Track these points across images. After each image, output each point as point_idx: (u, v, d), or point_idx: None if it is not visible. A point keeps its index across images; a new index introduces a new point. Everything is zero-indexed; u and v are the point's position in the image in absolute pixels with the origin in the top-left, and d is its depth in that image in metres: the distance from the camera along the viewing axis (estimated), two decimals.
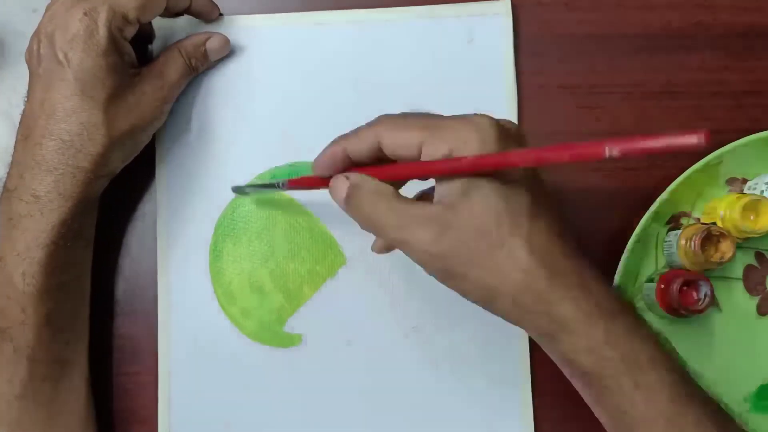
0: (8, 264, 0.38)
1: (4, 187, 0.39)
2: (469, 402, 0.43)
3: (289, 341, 0.44)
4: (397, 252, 0.44)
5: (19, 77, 0.46)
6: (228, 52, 0.45)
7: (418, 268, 0.44)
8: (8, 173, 0.39)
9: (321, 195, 0.45)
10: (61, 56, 0.37)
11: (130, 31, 0.39)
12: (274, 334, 0.44)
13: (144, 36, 0.44)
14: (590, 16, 0.46)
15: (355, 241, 0.44)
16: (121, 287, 0.45)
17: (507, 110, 0.45)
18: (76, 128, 0.38)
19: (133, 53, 0.40)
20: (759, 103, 0.45)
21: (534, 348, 0.44)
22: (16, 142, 0.39)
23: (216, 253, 0.45)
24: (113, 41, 0.38)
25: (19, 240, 0.37)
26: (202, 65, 0.44)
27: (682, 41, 0.46)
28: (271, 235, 0.45)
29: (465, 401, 0.44)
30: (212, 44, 0.44)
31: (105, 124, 0.38)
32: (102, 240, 0.43)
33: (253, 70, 0.46)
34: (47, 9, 0.39)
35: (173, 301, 0.44)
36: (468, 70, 0.45)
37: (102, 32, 0.37)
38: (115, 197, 0.44)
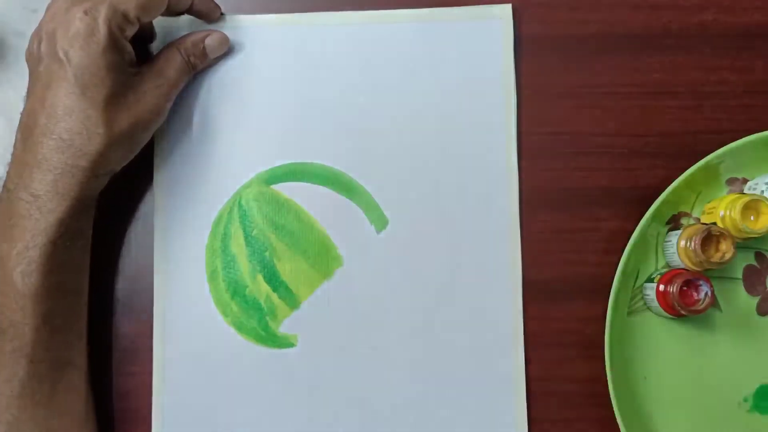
0: (7, 263, 0.38)
1: (4, 186, 0.39)
2: (463, 405, 0.44)
3: (284, 342, 0.44)
4: (394, 254, 0.44)
5: (19, 77, 0.46)
6: (227, 49, 0.45)
7: (416, 270, 0.45)
8: (7, 172, 0.39)
9: (319, 197, 0.45)
10: (61, 55, 0.37)
11: (131, 31, 0.40)
12: (270, 335, 0.44)
13: (144, 35, 0.44)
14: (590, 16, 0.46)
15: (352, 243, 0.44)
16: (121, 287, 0.45)
17: (507, 113, 0.45)
18: (75, 127, 0.38)
19: (133, 52, 0.41)
20: (759, 103, 0.46)
21: (529, 349, 0.44)
22: (15, 140, 0.39)
23: (212, 252, 0.45)
24: (113, 40, 0.38)
25: (18, 239, 0.38)
26: (201, 63, 0.44)
27: (682, 41, 0.46)
28: (267, 235, 0.45)
29: (459, 404, 0.44)
30: (211, 42, 0.44)
31: (105, 123, 0.38)
32: (101, 240, 0.43)
33: (252, 70, 0.46)
34: (48, 8, 0.39)
35: (169, 301, 0.44)
36: (468, 72, 0.45)
37: (102, 31, 0.38)
38: (114, 197, 0.44)
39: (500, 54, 0.45)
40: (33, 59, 0.39)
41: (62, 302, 0.40)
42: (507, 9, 0.45)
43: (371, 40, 0.46)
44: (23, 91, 0.41)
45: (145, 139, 0.42)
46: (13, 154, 0.39)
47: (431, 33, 0.46)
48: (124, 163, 0.42)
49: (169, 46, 0.43)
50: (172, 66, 0.42)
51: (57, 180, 0.38)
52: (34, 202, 0.38)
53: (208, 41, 0.44)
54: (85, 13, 0.38)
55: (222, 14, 0.46)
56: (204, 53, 0.44)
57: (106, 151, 0.39)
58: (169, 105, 0.43)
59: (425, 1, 0.46)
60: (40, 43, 0.39)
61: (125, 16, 0.38)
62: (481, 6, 0.46)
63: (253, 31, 0.46)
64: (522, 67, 0.46)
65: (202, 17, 0.45)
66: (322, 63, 0.46)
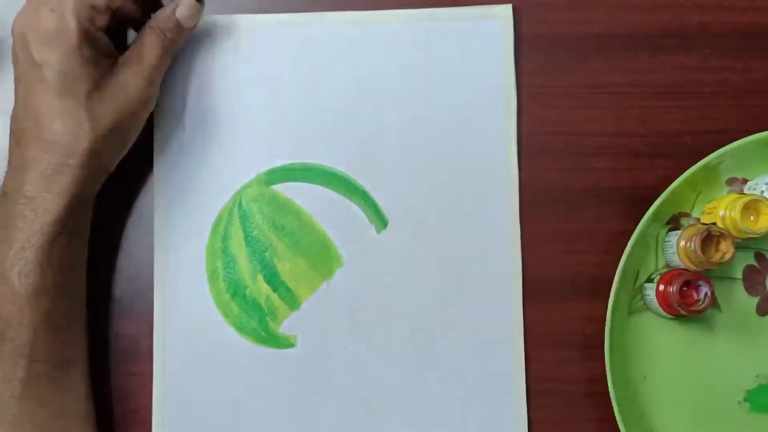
0: (4, 264, 0.38)
1: (2, 190, 0.39)
2: (463, 405, 0.44)
3: (284, 343, 0.44)
4: (394, 255, 0.44)
5: None
6: (201, 17, 0.43)
7: (416, 271, 0.45)
8: (5, 176, 0.39)
9: (320, 196, 0.45)
10: (36, 57, 0.37)
11: (102, 20, 0.39)
12: (270, 335, 0.44)
13: (127, 18, 0.43)
14: (590, 16, 0.46)
15: (352, 243, 0.45)
16: (120, 287, 0.45)
17: (507, 113, 0.45)
18: (60, 127, 0.38)
19: (110, 43, 0.40)
20: (759, 103, 0.46)
21: (529, 349, 0.44)
22: (9, 146, 0.40)
23: (213, 253, 0.45)
24: (85, 33, 0.38)
25: (14, 240, 0.38)
26: (179, 37, 0.42)
27: (682, 41, 0.46)
28: (268, 235, 0.45)
29: (459, 404, 0.44)
30: (181, 12, 0.42)
31: (88, 119, 0.38)
32: (101, 240, 0.43)
33: (252, 70, 0.46)
34: (20, 11, 0.39)
35: (169, 302, 0.45)
36: (468, 72, 0.46)
37: (72, 26, 0.37)
38: (113, 197, 0.44)
39: (500, 54, 0.45)
40: (14, 63, 0.39)
41: (61, 302, 0.40)
42: (507, 9, 0.46)
43: (371, 40, 0.46)
44: None
45: (135, 130, 0.42)
46: (9, 159, 0.39)
47: (431, 33, 0.46)
48: (118, 159, 0.42)
49: (143, 29, 0.42)
50: (149, 48, 0.41)
51: (49, 181, 0.38)
52: (29, 204, 0.38)
53: (178, 12, 0.42)
54: (52, 10, 0.37)
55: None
56: (178, 26, 0.42)
57: (96, 147, 0.39)
58: (153, 90, 0.41)
59: (425, 1, 0.46)
60: (15, 48, 0.38)
61: (93, 7, 0.38)
62: (481, 6, 0.46)
63: (253, 31, 0.46)
64: (522, 67, 0.46)
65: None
66: (321, 63, 0.46)
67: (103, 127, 0.39)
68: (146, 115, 0.42)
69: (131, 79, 0.40)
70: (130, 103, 0.40)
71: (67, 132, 0.38)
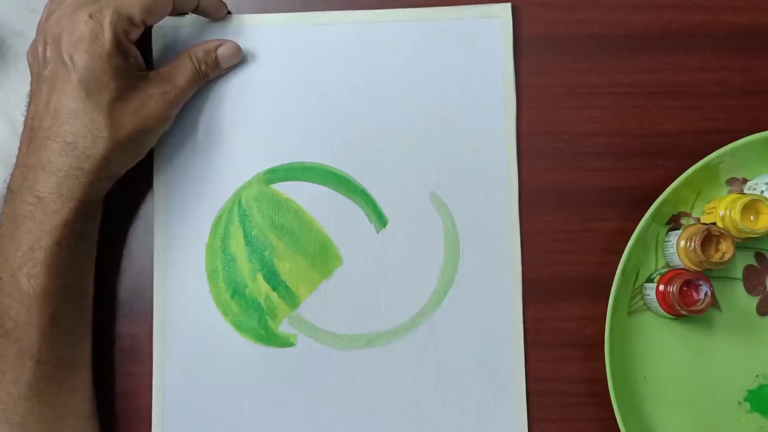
0: (12, 264, 0.39)
1: (8, 188, 0.40)
2: (463, 404, 0.44)
3: (284, 341, 0.45)
4: (393, 254, 0.45)
5: (19, 77, 0.47)
6: (239, 59, 0.46)
7: (415, 270, 0.45)
8: (12, 174, 0.40)
9: (318, 196, 0.45)
10: (66, 58, 0.38)
11: (136, 34, 0.41)
12: (270, 334, 0.45)
13: (145, 35, 0.44)
14: (590, 16, 0.47)
15: (351, 242, 0.45)
16: (122, 288, 0.46)
17: (506, 112, 0.45)
18: (80, 130, 0.38)
19: (139, 55, 0.42)
20: (759, 103, 0.46)
21: (529, 349, 0.44)
22: (20, 143, 0.40)
23: (212, 252, 0.45)
24: (118, 44, 0.39)
25: (23, 241, 0.38)
26: (212, 72, 0.45)
27: (682, 41, 0.46)
28: (267, 235, 0.45)
29: (459, 403, 0.44)
30: (224, 51, 0.45)
31: (109, 126, 0.39)
32: (102, 240, 0.44)
33: (252, 69, 0.46)
34: (48, 11, 0.40)
35: (169, 301, 0.45)
36: (468, 71, 0.46)
37: (107, 35, 0.38)
38: (114, 197, 0.44)
39: (500, 53, 0.46)
40: (38, 62, 0.40)
41: (68, 303, 0.41)
42: (507, 8, 0.46)
43: (371, 39, 0.46)
44: (23, 91, 0.41)
45: (150, 144, 0.43)
46: (17, 156, 0.40)
47: (431, 32, 0.46)
48: (129, 167, 0.43)
49: (182, 53, 0.44)
50: (181, 73, 0.43)
51: (61, 182, 0.38)
52: (38, 204, 0.38)
53: (221, 51, 0.44)
54: (90, 16, 0.38)
55: (229, 12, 0.46)
56: (216, 63, 0.44)
57: (110, 155, 0.39)
58: (175, 111, 0.43)
59: (425, 1, 0.46)
60: (45, 47, 0.39)
61: (130, 20, 0.39)
62: (481, 5, 0.46)
63: (252, 31, 0.46)
64: (522, 67, 0.46)
65: (209, 16, 0.45)
66: (321, 62, 0.46)
67: (121, 136, 0.40)
68: (161, 133, 0.43)
69: (156, 96, 0.41)
70: (149, 119, 0.41)
71: (86, 136, 0.39)
